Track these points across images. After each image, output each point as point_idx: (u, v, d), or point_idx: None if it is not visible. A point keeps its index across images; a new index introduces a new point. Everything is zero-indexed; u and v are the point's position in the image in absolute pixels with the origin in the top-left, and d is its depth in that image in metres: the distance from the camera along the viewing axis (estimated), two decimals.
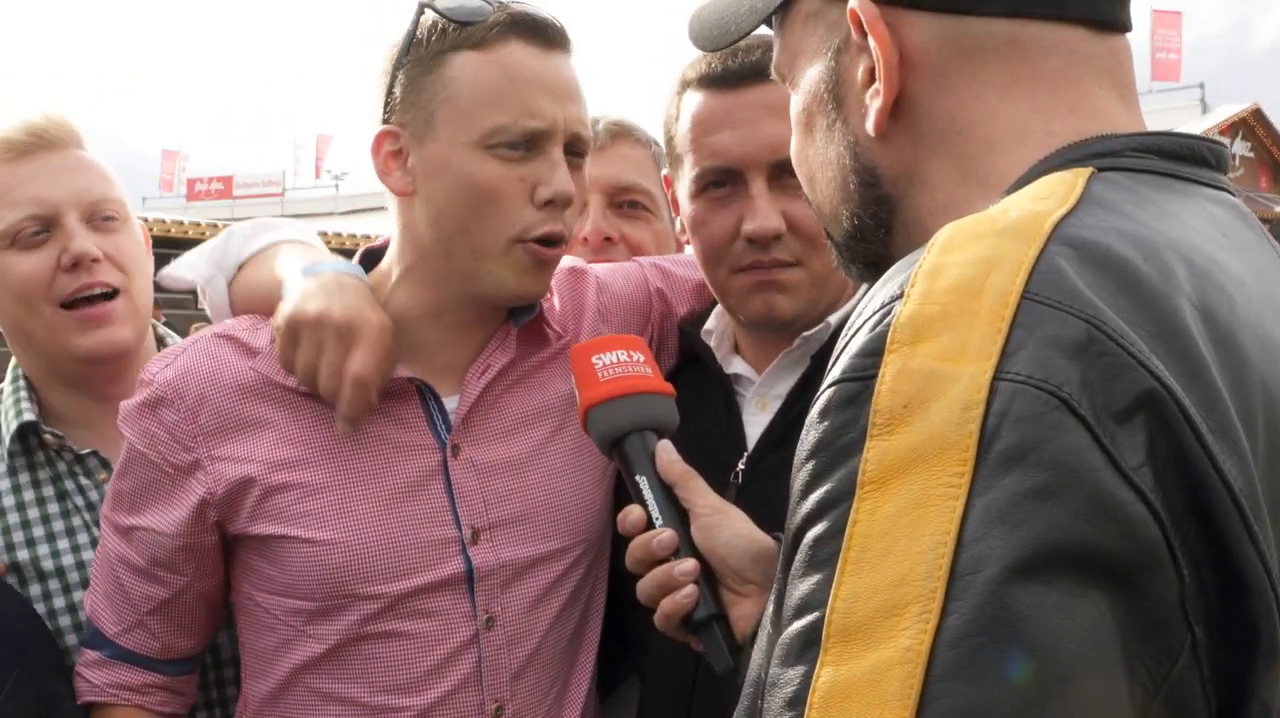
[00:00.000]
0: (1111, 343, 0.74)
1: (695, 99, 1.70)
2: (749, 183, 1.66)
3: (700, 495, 1.39)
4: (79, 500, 1.86)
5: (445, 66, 1.59)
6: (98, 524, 1.80)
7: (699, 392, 1.81)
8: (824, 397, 0.80)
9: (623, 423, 1.44)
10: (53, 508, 1.85)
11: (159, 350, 1.91)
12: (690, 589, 1.34)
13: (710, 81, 1.68)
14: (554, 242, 1.63)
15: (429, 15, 1.62)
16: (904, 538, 0.71)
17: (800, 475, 0.80)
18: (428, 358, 1.69)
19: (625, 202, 2.24)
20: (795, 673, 0.75)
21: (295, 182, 42.25)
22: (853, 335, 0.82)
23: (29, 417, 1.84)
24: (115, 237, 1.86)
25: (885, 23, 0.97)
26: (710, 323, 1.84)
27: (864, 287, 1.70)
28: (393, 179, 1.65)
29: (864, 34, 0.98)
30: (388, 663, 1.62)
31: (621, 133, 2.28)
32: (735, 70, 1.67)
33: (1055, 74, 0.96)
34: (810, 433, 0.80)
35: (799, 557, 0.78)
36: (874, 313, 0.81)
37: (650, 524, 1.40)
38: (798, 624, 0.76)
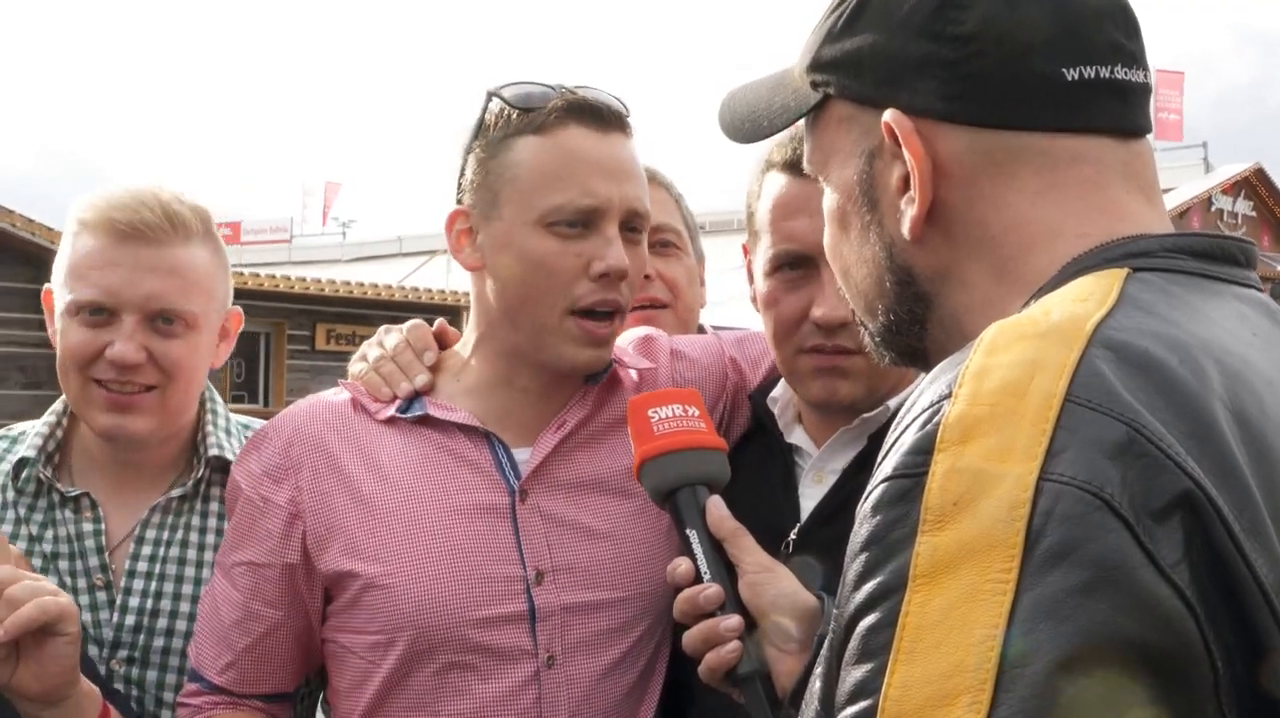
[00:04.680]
0: (1150, 445, 0.77)
1: (777, 180, 1.76)
2: (820, 269, 1.70)
3: (749, 553, 1.44)
4: (61, 532, 1.95)
5: (509, 150, 1.72)
6: (71, 557, 1.93)
7: (762, 459, 1.87)
8: (876, 492, 0.84)
9: (675, 477, 1.50)
10: (44, 534, 1.95)
11: (202, 426, 2.05)
12: (734, 645, 1.40)
13: (793, 166, 1.73)
14: (607, 312, 1.73)
15: (496, 103, 1.76)
16: (955, 630, 0.75)
17: (853, 566, 0.84)
18: (504, 419, 1.80)
19: (656, 241, 2.32)
20: None
21: (302, 228, 42.44)
22: (902, 432, 0.86)
23: (28, 453, 1.96)
24: (170, 342, 1.92)
25: (919, 134, 1.02)
26: (776, 392, 1.90)
27: (923, 375, 1.76)
28: (464, 255, 1.80)
29: (898, 144, 1.03)
30: (452, 695, 1.70)
31: (648, 177, 2.37)
32: (794, 160, 1.70)
33: (1084, 181, 1.01)
34: (863, 526, 0.84)
35: (852, 644, 0.81)
36: (923, 411, 0.85)
37: (698, 577, 1.45)
38: (850, 710, 0.80)
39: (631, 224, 1.75)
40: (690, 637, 1.44)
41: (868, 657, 0.80)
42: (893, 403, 1.75)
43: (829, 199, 1.15)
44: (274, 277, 20.87)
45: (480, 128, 1.76)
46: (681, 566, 1.47)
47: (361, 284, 22.11)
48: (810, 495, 1.78)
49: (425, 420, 1.79)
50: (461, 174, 1.78)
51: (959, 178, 1.02)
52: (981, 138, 1.01)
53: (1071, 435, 0.78)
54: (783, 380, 1.89)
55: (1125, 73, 1.02)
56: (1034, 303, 0.93)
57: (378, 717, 1.73)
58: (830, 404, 1.76)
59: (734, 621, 1.41)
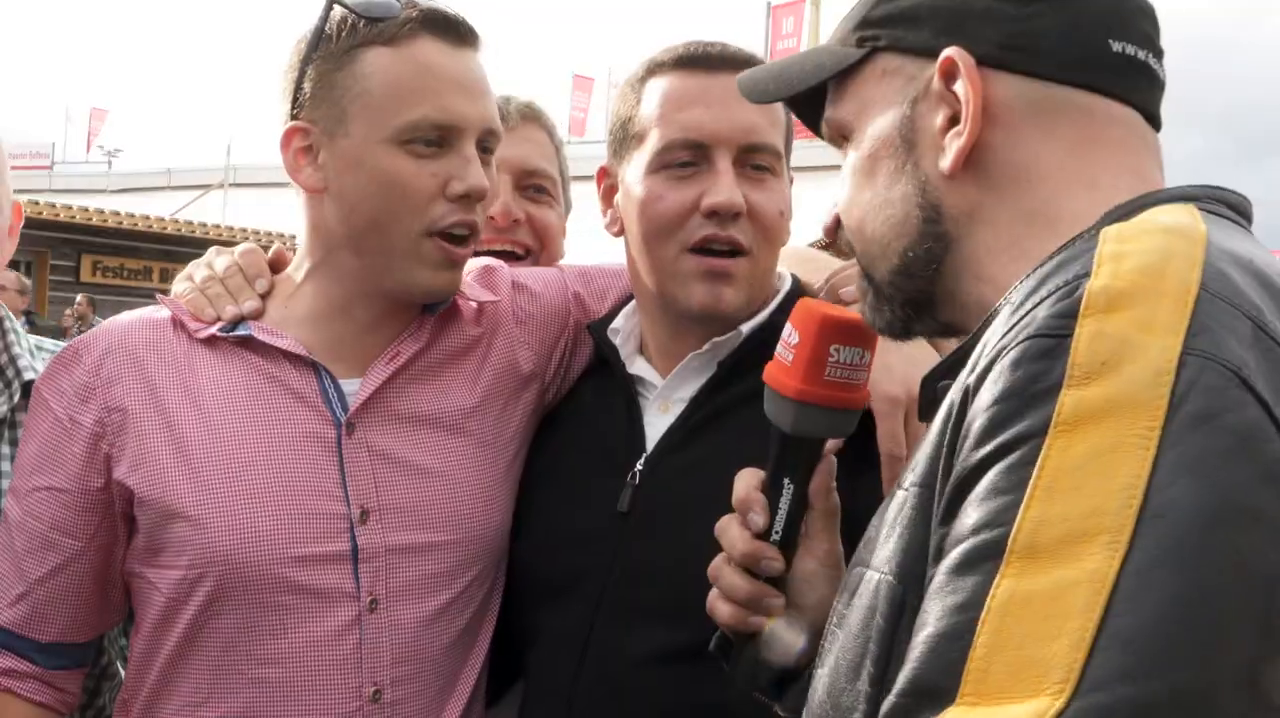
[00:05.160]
0: (1271, 340, 0.87)
1: (667, 79, 1.74)
2: (715, 160, 1.69)
3: (827, 536, 1.37)
4: None
5: (357, 63, 1.61)
6: None
7: (603, 392, 1.83)
8: (1017, 349, 0.89)
9: (818, 429, 1.34)
10: None
11: (7, 348, 1.92)
12: (762, 622, 1.35)
13: (687, 62, 1.73)
14: (465, 234, 1.66)
15: (338, 11, 1.64)
16: (1096, 477, 0.81)
17: (985, 416, 0.89)
18: (335, 349, 1.70)
19: (532, 185, 2.26)
20: (968, 582, 0.84)
21: (65, 154, 40.03)
22: (1027, 312, 0.92)
23: None
24: None
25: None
26: (617, 322, 1.85)
27: (777, 300, 1.76)
28: (303, 175, 1.67)
29: (951, 81, 1.10)
30: (266, 638, 1.60)
31: (533, 116, 2.31)
32: (715, 55, 1.73)
33: (1118, 142, 1.11)
34: (999, 381, 0.89)
35: (981, 485, 0.87)
36: (1057, 288, 0.91)
37: (767, 533, 1.34)
38: (973, 541, 0.85)
39: (486, 144, 1.69)
40: (729, 582, 1.35)
41: (999, 494, 0.85)
42: (745, 328, 1.73)
43: (854, 156, 1.21)
44: (36, 203, 19.63)
45: (321, 37, 1.63)
46: (758, 517, 1.34)
47: (132, 215, 21.03)
48: (656, 425, 1.75)
49: (249, 344, 1.68)
50: (298, 88, 1.65)
51: (1004, 121, 1.10)
52: (1031, 87, 1.10)
53: (1209, 319, 0.86)
54: (625, 310, 1.86)
55: (1154, 63, 1.13)
56: (1090, 235, 0.98)
57: (186, 661, 1.63)
58: (714, 313, 1.71)
59: (780, 602, 1.34)
